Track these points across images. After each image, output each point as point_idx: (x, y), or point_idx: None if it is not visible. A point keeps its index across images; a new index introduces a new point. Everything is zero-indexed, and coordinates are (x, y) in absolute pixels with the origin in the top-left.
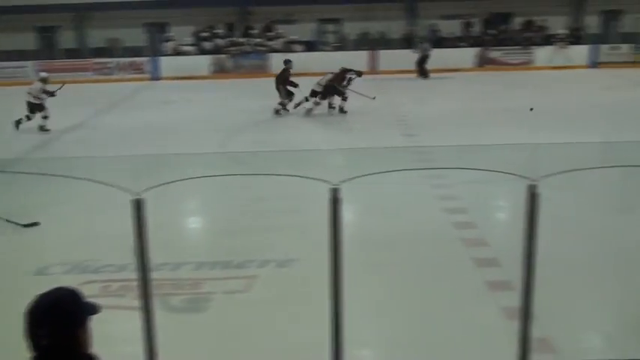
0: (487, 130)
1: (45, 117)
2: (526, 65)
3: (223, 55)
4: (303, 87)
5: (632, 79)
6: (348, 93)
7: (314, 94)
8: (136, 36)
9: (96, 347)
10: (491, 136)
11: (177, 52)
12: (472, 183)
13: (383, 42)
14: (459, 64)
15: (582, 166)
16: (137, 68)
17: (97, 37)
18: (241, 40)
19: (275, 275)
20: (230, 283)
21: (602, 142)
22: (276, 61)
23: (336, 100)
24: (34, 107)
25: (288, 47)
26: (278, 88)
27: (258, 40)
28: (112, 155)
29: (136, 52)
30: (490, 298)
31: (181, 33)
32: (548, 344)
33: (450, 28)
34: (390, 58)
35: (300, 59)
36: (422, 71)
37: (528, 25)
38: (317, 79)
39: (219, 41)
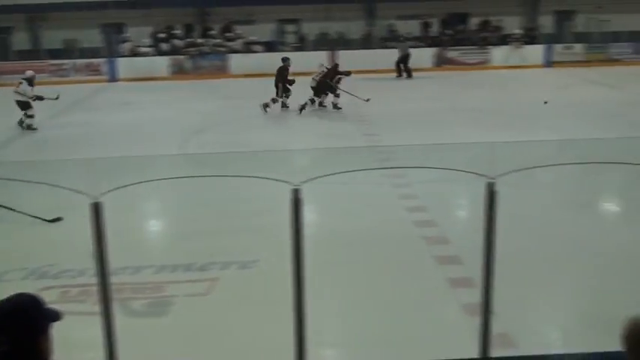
0: (446, 129)
1: (30, 116)
2: (483, 65)
3: (182, 56)
4: (299, 86)
5: (585, 78)
6: (341, 92)
7: (314, 91)
8: (92, 37)
9: (56, 354)
10: (450, 136)
11: (135, 54)
12: (432, 182)
13: (342, 42)
14: (418, 64)
15: (538, 163)
16: (94, 70)
17: (53, 38)
18: (200, 40)
19: (237, 277)
20: (192, 286)
21: (557, 140)
22: (236, 62)
23: (329, 98)
24: (23, 105)
25: (247, 48)
26: (277, 86)
27: (217, 40)
28: (69, 158)
29: (92, 53)
30: (451, 295)
31: (139, 34)
32: (508, 339)
33: (408, 28)
34: (349, 58)
35: (260, 60)
36: (406, 70)
37: (484, 26)
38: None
39: (177, 42)
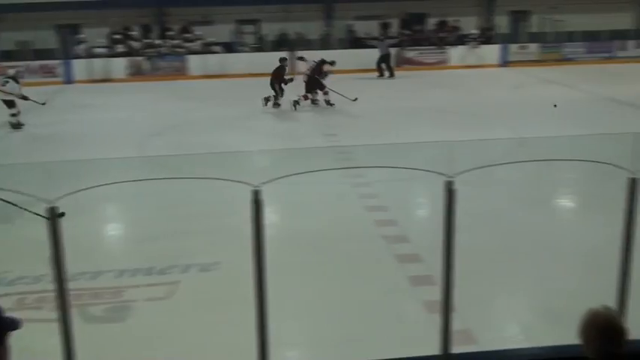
0: (404, 128)
1: (14, 114)
2: (441, 65)
3: (140, 58)
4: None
5: (540, 77)
6: (329, 91)
7: (306, 87)
8: (47, 38)
9: None
10: (408, 135)
11: (91, 55)
12: (391, 181)
13: (301, 42)
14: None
15: (495, 161)
16: (49, 71)
17: (5, 39)
18: (158, 41)
19: (198, 280)
20: (152, 290)
21: (513, 138)
22: (194, 63)
23: (320, 96)
24: (8, 104)
25: (206, 49)
26: (273, 86)
27: (176, 41)
28: (23, 162)
29: (47, 54)
30: (412, 293)
31: (95, 35)
32: (469, 335)
33: (367, 28)
34: (308, 58)
35: (219, 61)
36: (388, 69)
37: (442, 26)
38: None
39: (134, 43)
